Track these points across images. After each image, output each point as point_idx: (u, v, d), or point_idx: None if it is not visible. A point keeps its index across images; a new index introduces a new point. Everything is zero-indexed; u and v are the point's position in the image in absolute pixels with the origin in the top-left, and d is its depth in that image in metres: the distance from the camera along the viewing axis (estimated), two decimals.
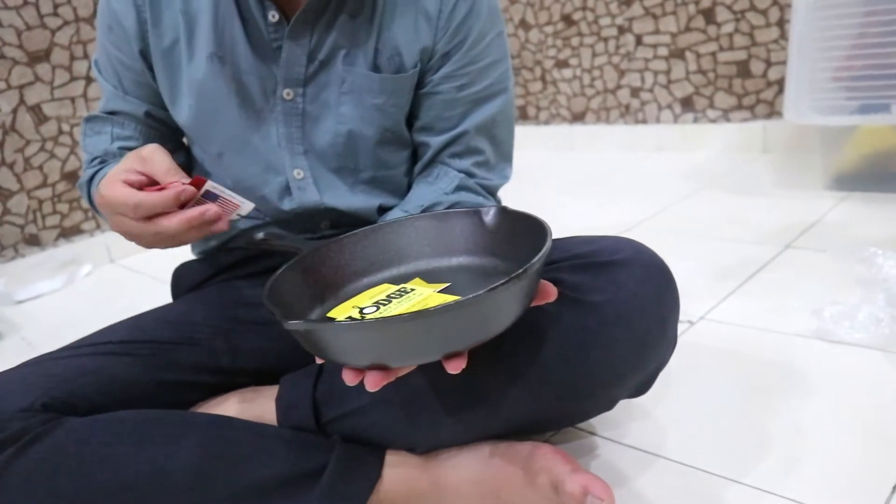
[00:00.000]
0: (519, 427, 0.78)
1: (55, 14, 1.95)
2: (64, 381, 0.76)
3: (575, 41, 2.61)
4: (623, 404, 0.88)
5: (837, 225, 1.52)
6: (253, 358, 0.89)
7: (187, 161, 0.96)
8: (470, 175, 0.89)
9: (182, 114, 0.88)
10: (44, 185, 2.00)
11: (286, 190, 0.89)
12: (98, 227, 2.13)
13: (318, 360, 0.61)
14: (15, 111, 1.92)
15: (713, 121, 2.35)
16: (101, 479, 0.69)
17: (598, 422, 0.93)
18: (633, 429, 0.92)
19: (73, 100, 2.02)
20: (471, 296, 0.53)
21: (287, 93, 0.85)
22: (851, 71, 1.60)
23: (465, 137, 0.88)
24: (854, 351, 1.03)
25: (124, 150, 0.89)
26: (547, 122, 2.80)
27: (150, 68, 0.88)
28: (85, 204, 2.06)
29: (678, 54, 2.36)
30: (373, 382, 0.56)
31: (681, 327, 1.14)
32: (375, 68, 0.85)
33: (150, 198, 0.71)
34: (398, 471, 0.78)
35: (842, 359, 1.02)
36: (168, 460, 0.70)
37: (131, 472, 0.69)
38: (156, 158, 0.74)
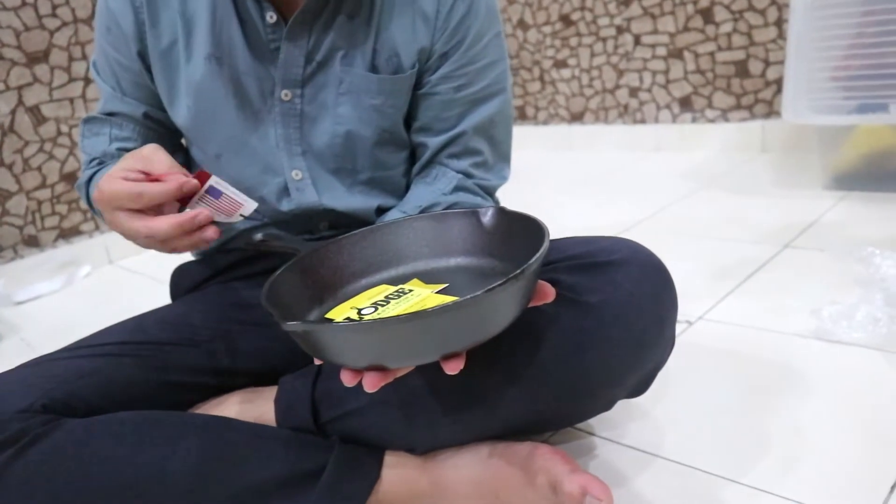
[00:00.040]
0: (517, 427, 0.78)
1: (54, 15, 1.95)
2: (63, 382, 0.76)
3: (573, 41, 2.61)
4: (621, 404, 0.88)
5: (836, 224, 1.52)
6: (252, 359, 0.89)
7: (186, 162, 0.96)
8: (468, 176, 0.89)
9: (180, 115, 0.88)
10: (43, 186, 2.00)
11: (284, 191, 0.89)
12: (97, 228, 2.13)
13: (317, 361, 0.61)
14: (13, 112, 1.92)
15: (711, 120, 2.35)
16: (101, 481, 0.69)
17: (596, 422, 0.93)
18: (632, 429, 0.92)
19: (71, 101, 2.02)
20: (468, 297, 0.53)
21: (285, 94, 0.85)
22: (849, 70, 1.60)
23: (463, 138, 0.88)
24: (852, 350, 1.03)
25: (123, 152, 0.89)
26: (545, 122, 2.80)
27: (149, 69, 0.88)
28: (84, 205, 2.06)
29: (676, 54, 2.36)
30: (371, 383, 0.56)
31: (679, 327, 1.14)
32: (373, 69, 0.85)
33: (152, 188, 0.70)
34: (397, 471, 0.78)
35: (840, 358, 1.02)
36: (167, 461, 0.71)
37: (130, 473, 0.69)
38: (157, 157, 0.74)
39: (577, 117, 2.71)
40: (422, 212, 0.86)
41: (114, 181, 0.71)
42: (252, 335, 0.90)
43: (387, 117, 0.87)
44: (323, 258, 0.72)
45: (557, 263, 0.78)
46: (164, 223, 0.70)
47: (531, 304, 0.62)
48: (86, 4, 2.00)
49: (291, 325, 0.55)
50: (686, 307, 1.21)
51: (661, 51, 2.39)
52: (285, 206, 0.90)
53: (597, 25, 2.52)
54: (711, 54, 2.28)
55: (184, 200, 0.73)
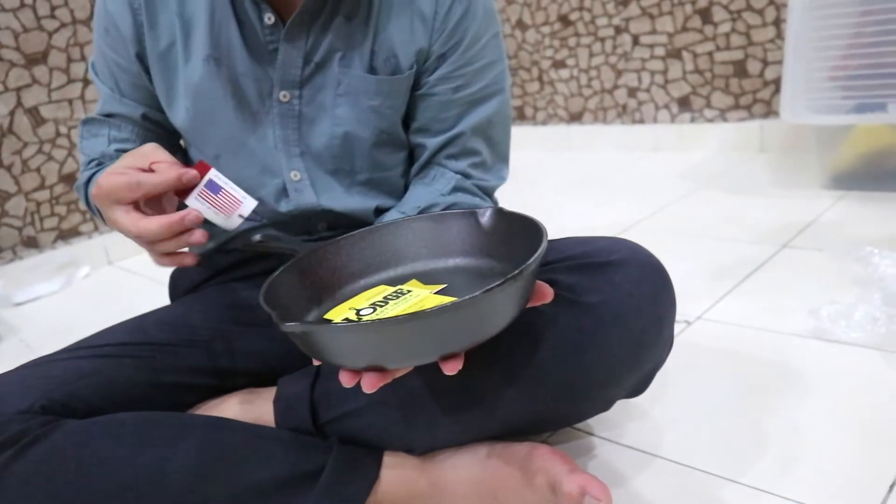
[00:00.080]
0: (516, 428, 0.79)
1: (52, 16, 1.95)
2: (62, 383, 0.76)
3: (572, 41, 2.61)
4: (620, 404, 0.88)
5: (834, 224, 1.53)
6: (251, 359, 0.89)
7: (184, 163, 0.96)
8: (466, 176, 0.90)
9: (178, 116, 0.89)
10: (42, 187, 2.00)
11: (283, 192, 0.89)
12: (96, 229, 2.13)
13: (316, 362, 0.62)
14: (12, 113, 1.92)
15: (710, 120, 2.35)
16: (100, 481, 0.69)
17: (595, 422, 0.93)
18: (631, 429, 0.92)
19: (70, 102, 2.02)
20: (467, 297, 0.53)
21: (283, 95, 0.85)
22: (847, 70, 1.61)
23: (461, 139, 0.88)
24: (851, 350, 1.03)
25: (121, 153, 0.89)
26: (544, 123, 2.81)
27: (147, 71, 0.88)
28: (83, 206, 2.06)
29: (675, 54, 2.36)
30: (370, 384, 0.56)
31: (678, 327, 1.14)
32: (371, 70, 0.85)
33: (150, 177, 0.70)
34: (396, 472, 0.78)
35: (838, 358, 1.02)
36: (166, 462, 0.71)
37: (130, 474, 0.69)
38: (157, 155, 0.74)
39: (575, 117, 2.71)
40: (420, 212, 0.86)
41: (112, 175, 0.71)
42: (251, 336, 0.90)
43: (385, 118, 0.87)
44: (321, 259, 0.72)
45: (556, 264, 0.78)
46: (154, 223, 0.70)
47: (530, 305, 0.62)
48: (84, 6, 2.00)
49: (290, 326, 0.55)
50: (685, 307, 1.21)
51: (660, 51, 2.39)
52: (284, 206, 0.90)
53: (595, 25, 2.53)
54: (710, 54, 2.29)
55: (182, 195, 0.73)
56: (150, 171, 0.72)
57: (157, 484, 0.70)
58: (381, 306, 0.64)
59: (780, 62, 2.12)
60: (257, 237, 0.77)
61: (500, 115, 0.91)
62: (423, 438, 0.78)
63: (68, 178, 2.04)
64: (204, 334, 0.88)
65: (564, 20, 2.60)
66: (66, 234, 2.07)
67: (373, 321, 0.59)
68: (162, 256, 0.74)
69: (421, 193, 0.89)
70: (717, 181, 2.01)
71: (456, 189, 0.88)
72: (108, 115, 0.92)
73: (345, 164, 0.89)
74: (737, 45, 2.22)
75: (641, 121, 2.52)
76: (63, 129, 2.01)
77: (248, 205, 0.74)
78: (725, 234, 1.57)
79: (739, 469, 0.82)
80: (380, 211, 0.92)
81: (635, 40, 2.44)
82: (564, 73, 2.67)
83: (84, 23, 2.01)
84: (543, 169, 2.51)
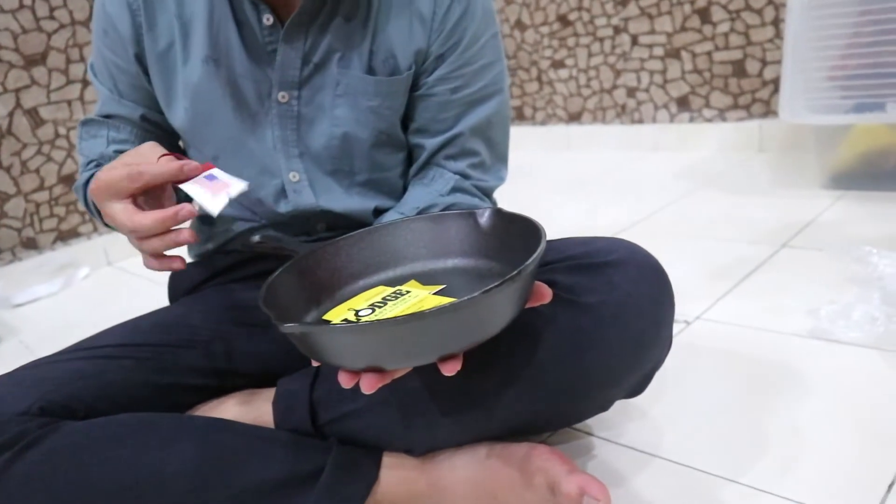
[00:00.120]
0: (515, 428, 0.79)
1: (51, 17, 1.95)
2: (61, 384, 0.76)
3: (571, 41, 2.61)
4: (619, 405, 0.88)
5: (833, 224, 1.53)
6: (250, 360, 0.89)
7: None
8: (465, 177, 0.90)
9: (177, 117, 0.89)
10: (41, 188, 2.00)
11: (282, 193, 0.89)
12: (95, 230, 2.13)
13: (315, 363, 0.62)
14: (11, 115, 1.92)
15: (709, 120, 2.35)
16: (99, 483, 0.69)
17: (594, 422, 0.93)
18: (630, 429, 0.92)
19: (69, 103, 2.02)
20: (466, 298, 0.53)
21: (282, 95, 0.85)
22: (846, 70, 1.61)
23: (459, 139, 0.88)
24: (850, 350, 1.03)
25: (120, 154, 0.89)
26: (543, 123, 2.81)
27: (146, 72, 0.88)
28: (82, 207, 2.06)
29: (674, 54, 2.36)
30: (369, 385, 0.56)
31: (677, 327, 1.14)
32: (370, 71, 0.85)
33: (152, 166, 0.69)
34: (395, 472, 0.78)
35: (837, 358, 1.02)
36: (165, 463, 0.71)
37: (129, 476, 0.69)
38: (155, 153, 0.74)
39: (574, 117, 2.71)
40: (419, 213, 0.86)
41: (112, 169, 0.71)
42: (250, 337, 0.90)
43: (384, 119, 0.88)
44: (320, 260, 0.72)
45: (555, 264, 0.78)
46: (149, 217, 0.69)
47: (528, 305, 0.62)
48: (83, 7, 2.00)
49: (289, 327, 0.55)
50: (684, 307, 1.21)
51: (659, 51, 2.40)
52: (283, 207, 0.90)
53: (594, 26, 2.53)
54: (709, 54, 2.29)
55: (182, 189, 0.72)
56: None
57: (157, 485, 0.70)
58: (379, 307, 0.64)
59: (778, 62, 2.12)
60: (256, 238, 0.76)
61: (499, 115, 0.91)
62: (423, 439, 0.78)
63: (67, 180, 2.04)
64: (203, 335, 0.88)
65: (563, 20, 2.60)
66: (66, 236, 2.07)
67: (371, 322, 0.59)
68: (151, 259, 0.73)
69: (420, 194, 0.89)
70: (716, 181, 2.01)
71: (455, 189, 0.88)
72: (107, 117, 0.92)
73: (344, 164, 0.89)
74: (735, 44, 2.22)
75: (640, 121, 2.53)
76: (62, 131, 2.01)
77: (237, 187, 0.71)
78: (724, 234, 1.57)
79: (739, 469, 0.82)
80: (379, 211, 0.92)
81: (634, 40, 2.44)
82: (563, 73, 2.68)
83: (83, 24, 2.01)
84: (542, 169, 2.51)
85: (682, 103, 2.40)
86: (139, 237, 0.71)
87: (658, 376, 0.82)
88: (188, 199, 0.73)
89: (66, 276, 2.01)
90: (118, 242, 2.11)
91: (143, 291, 1.84)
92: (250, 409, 0.85)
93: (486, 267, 0.71)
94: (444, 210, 0.86)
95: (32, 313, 1.84)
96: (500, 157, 0.94)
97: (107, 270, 2.10)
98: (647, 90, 2.47)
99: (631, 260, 0.77)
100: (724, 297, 1.26)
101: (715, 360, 1.06)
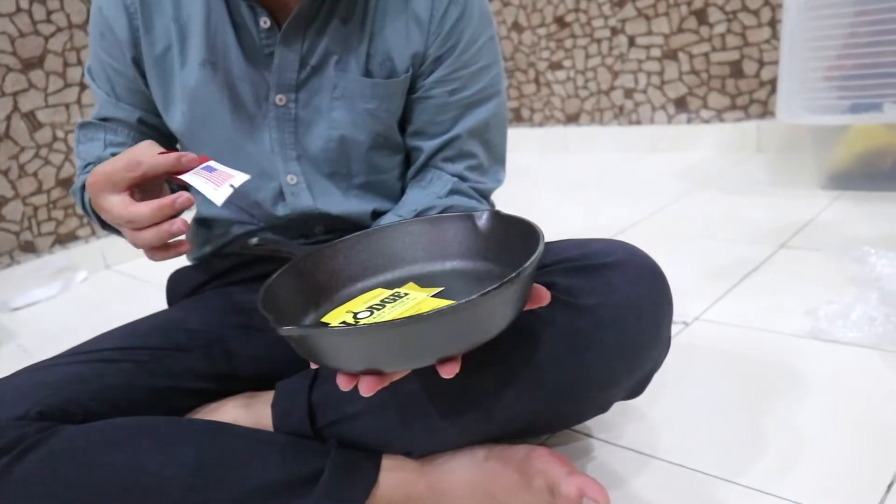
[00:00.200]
0: (514, 430, 0.78)
1: (48, 21, 1.95)
2: (60, 388, 0.76)
3: (568, 43, 2.62)
4: (618, 406, 0.88)
5: (831, 224, 1.53)
6: (249, 363, 0.89)
7: None
8: (463, 179, 0.90)
9: (175, 120, 0.89)
10: (39, 191, 2.00)
11: (280, 195, 0.89)
12: (93, 233, 2.13)
13: (313, 366, 0.62)
14: (9, 118, 1.92)
15: (707, 121, 2.36)
16: (98, 487, 0.69)
17: (593, 424, 0.93)
18: (629, 430, 0.92)
19: (67, 106, 2.02)
20: (464, 300, 0.53)
21: (279, 98, 0.85)
22: (843, 70, 1.61)
23: (457, 141, 0.88)
24: (848, 350, 1.03)
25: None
26: (541, 124, 2.81)
27: (143, 75, 0.88)
28: (80, 210, 2.06)
29: (671, 55, 2.37)
30: (367, 387, 0.56)
31: (676, 328, 1.14)
32: (367, 73, 0.85)
33: (151, 157, 0.69)
34: (394, 475, 0.78)
35: (836, 358, 1.02)
36: (164, 467, 0.70)
37: (128, 479, 0.69)
38: (152, 151, 0.73)
39: (572, 119, 2.71)
40: (417, 215, 0.86)
41: (109, 163, 0.70)
42: (249, 339, 0.90)
43: (381, 121, 0.88)
44: (318, 262, 0.72)
45: (553, 266, 0.78)
46: (146, 206, 0.68)
47: (527, 308, 0.62)
48: (81, 10, 2.00)
49: (287, 330, 0.55)
50: (682, 308, 1.21)
51: (656, 52, 2.40)
52: (280, 210, 0.90)
53: (591, 27, 2.53)
54: (706, 55, 2.29)
55: (178, 180, 0.71)
56: None
57: (156, 489, 0.70)
58: (378, 309, 0.64)
59: (775, 62, 2.13)
60: (254, 241, 0.76)
61: (497, 117, 0.91)
62: (422, 441, 0.78)
63: (65, 183, 2.04)
64: (201, 338, 0.88)
65: (560, 22, 2.61)
66: (64, 239, 2.07)
67: (370, 324, 0.59)
68: (155, 251, 0.72)
69: (417, 196, 0.89)
70: (714, 182, 2.01)
71: (452, 192, 0.88)
72: (105, 120, 0.92)
73: (341, 167, 0.89)
74: (732, 45, 2.22)
75: (638, 122, 2.53)
76: (60, 134, 2.01)
77: (240, 178, 0.70)
78: (723, 235, 1.57)
79: (738, 470, 0.82)
80: (377, 214, 0.92)
81: (631, 41, 2.45)
82: (561, 74, 2.68)
83: (80, 27, 2.01)
84: (540, 170, 2.52)
85: (680, 104, 2.40)
86: (135, 227, 0.69)
87: (657, 377, 0.82)
88: None
89: (64, 280, 2.01)
90: (116, 246, 2.11)
91: (142, 295, 1.84)
92: (249, 412, 0.85)
93: (484, 269, 0.71)
94: (441, 212, 0.86)
95: (30, 317, 1.83)
96: (498, 159, 0.94)
97: (105, 274, 2.09)
98: (644, 91, 2.47)
99: (629, 261, 0.77)
100: (722, 298, 1.26)
101: (714, 361, 1.06)
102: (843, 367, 1.00)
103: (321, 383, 0.81)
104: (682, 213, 1.79)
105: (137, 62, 0.87)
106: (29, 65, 1.93)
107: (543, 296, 0.63)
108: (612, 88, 2.56)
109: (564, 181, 2.33)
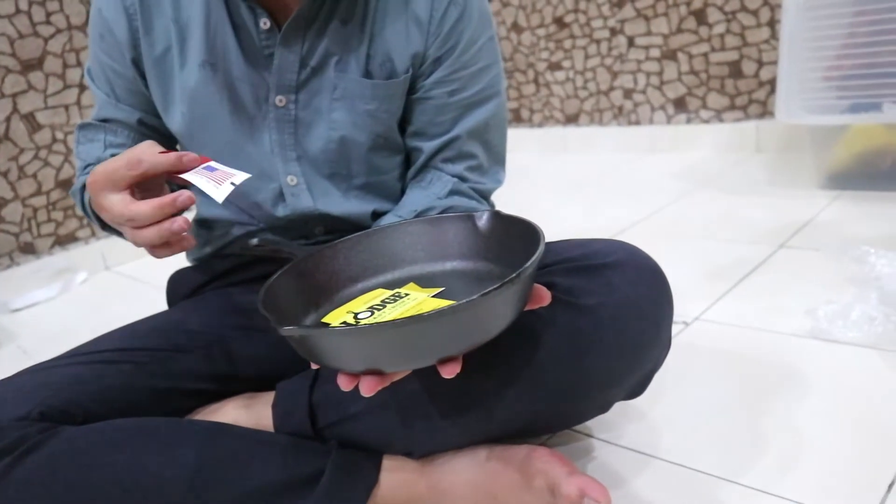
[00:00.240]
0: (515, 430, 0.79)
1: (48, 22, 1.95)
2: (60, 389, 0.76)
3: (567, 43, 2.62)
4: (619, 406, 0.88)
5: (830, 224, 1.53)
6: (249, 364, 0.89)
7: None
8: (463, 179, 0.90)
9: (175, 121, 0.89)
10: (38, 193, 2.00)
11: (280, 196, 0.89)
12: (93, 234, 2.13)
13: (314, 366, 0.62)
14: (8, 119, 1.92)
15: (706, 121, 2.36)
16: (99, 488, 0.69)
17: (594, 424, 0.93)
18: (629, 430, 0.92)
19: (66, 108, 2.02)
20: (465, 301, 0.53)
21: (279, 99, 0.85)
22: (842, 70, 1.61)
23: (457, 142, 0.89)
24: (848, 350, 1.03)
25: None
26: (540, 125, 2.81)
27: (143, 76, 0.88)
28: (80, 212, 2.06)
29: (670, 55, 2.37)
30: (368, 387, 0.56)
31: (676, 328, 1.15)
32: (367, 74, 0.86)
33: (154, 157, 0.68)
34: (395, 475, 0.78)
35: (836, 358, 1.02)
36: (165, 468, 0.70)
37: (128, 480, 0.69)
38: (153, 150, 0.73)
39: (571, 119, 2.71)
40: (417, 216, 0.86)
41: (109, 162, 0.70)
42: (249, 340, 0.90)
43: (381, 122, 0.88)
44: (319, 263, 0.72)
45: (553, 266, 0.78)
46: (146, 204, 0.67)
47: (527, 308, 0.62)
48: (80, 11, 2.00)
49: (288, 330, 0.55)
50: (682, 308, 1.22)
51: (655, 52, 2.40)
52: (281, 211, 0.90)
53: (590, 27, 2.53)
54: (705, 55, 2.29)
55: (178, 179, 0.70)
56: None
57: (156, 490, 0.69)
58: (378, 310, 0.64)
59: (775, 63, 2.13)
60: (254, 241, 0.76)
61: (496, 118, 0.91)
62: (423, 441, 0.78)
63: (65, 184, 2.04)
64: (202, 339, 0.88)
65: (560, 22, 2.61)
66: (64, 240, 2.07)
67: (370, 325, 0.59)
68: (158, 248, 0.71)
69: (417, 197, 0.89)
70: (714, 182, 2.01)
71: (452, 192, 0.88)
72: (104, 121, 0.92)
73: (341, 168, 0.89)
74: (732, 45, 2.23)
75: (637, 122, 2.53)
76: (59, 135, 2.01)
77: (241, 176, 0.70)
78: (722, 235, 1.57)
79: (738, 469, 0.82)
80: (377, 215, 0.92)
81: (630, 42, 2.45)
82: (560, 75, 2.68)
83: (80, 28, 2.01)
84: (540, 171, 2.52)
85: (679, 104, 2.40)
86: (135, 226, 0.69)
87: (657, 377, 0.83)
88: None
89: (63, 281, 2.01)
90: (116, 247, 2.11)
91: (142, 296, 1.84)
92: (249, 412, 0.85)
93: (484, 269, 0.71)
94: (442, 213, 0.86)
95: (30, 318, 1.83)
96: (498, 160, 0.94)
97: (105, 275, 2.09)
98: (643, 92, 2.48)
99: (629, 261, 0.77)
100: (722, 298, 1.26)
101: (714, 361, 1.06)
102: (842, 366, 1.00)
103: (322, 384, 0.81)
104: (681, 213, 1.79)
105: (137, 63, 0.87)
106: (28, 66, 1.93)
107: (544, 296, 0.63)
108: (612, 89, 2.56)
109: (564, 182, 2.33)
